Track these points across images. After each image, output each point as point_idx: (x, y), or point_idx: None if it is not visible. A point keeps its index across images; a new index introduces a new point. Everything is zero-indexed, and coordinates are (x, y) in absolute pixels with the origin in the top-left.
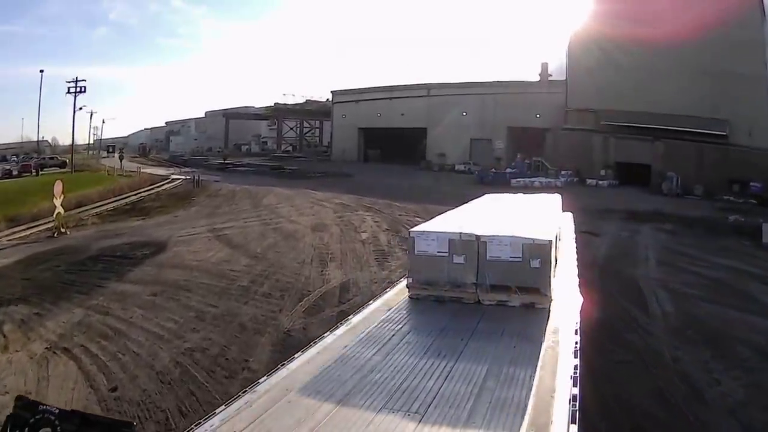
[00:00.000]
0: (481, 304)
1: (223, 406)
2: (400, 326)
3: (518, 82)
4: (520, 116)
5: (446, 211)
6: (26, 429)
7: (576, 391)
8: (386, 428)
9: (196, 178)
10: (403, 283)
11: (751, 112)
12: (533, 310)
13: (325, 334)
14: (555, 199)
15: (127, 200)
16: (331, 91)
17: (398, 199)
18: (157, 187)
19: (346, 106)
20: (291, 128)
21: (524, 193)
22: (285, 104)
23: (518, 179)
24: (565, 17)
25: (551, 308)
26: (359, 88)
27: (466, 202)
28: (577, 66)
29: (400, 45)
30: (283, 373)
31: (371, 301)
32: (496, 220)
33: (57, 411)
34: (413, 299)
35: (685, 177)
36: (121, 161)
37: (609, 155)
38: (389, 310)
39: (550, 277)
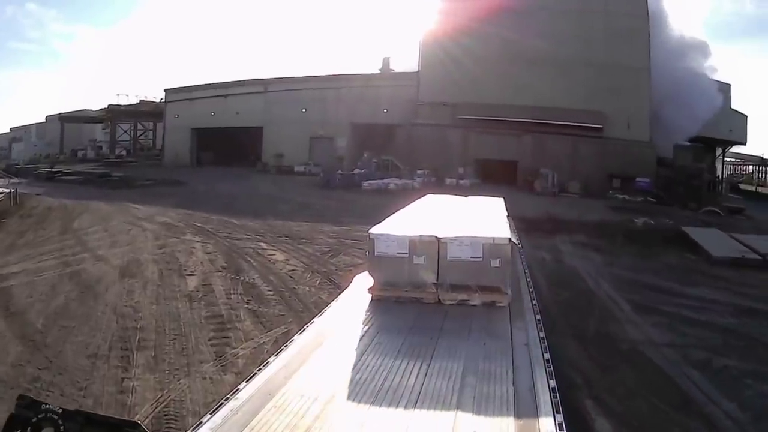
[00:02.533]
0: (442, 304)
1: (208, 415)
2: (367, 327)
3: (362, 75)
4: (365, 112)
5: (298, 229)
6: (28, 428)
7: (554, 384)
8: (380, 427)
9: (14, 192)
10: (358, 283)
11: (630, 103)
12: (494, 308)
13: (293, 338)
14: (499, 202)
15: None
16: (165, 90)
17: (235, 213)
18: None
19: (180, 105)
20: (125, 131)
21: (380, 196)
22: (119, 105)
23: (370, 181)
24: (414, 7)
25: (511, 306)
26: (193, 86)
27: (318, 214)
28: (431, 57)
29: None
30: (261, 377)
31: (331, 303)
32: (451, 220)
33: (60, 410)
34: (374, 300)
35: (559, 173)
36: None
37: (468, 152)
38: (352, 311)
39: (509, 276)
